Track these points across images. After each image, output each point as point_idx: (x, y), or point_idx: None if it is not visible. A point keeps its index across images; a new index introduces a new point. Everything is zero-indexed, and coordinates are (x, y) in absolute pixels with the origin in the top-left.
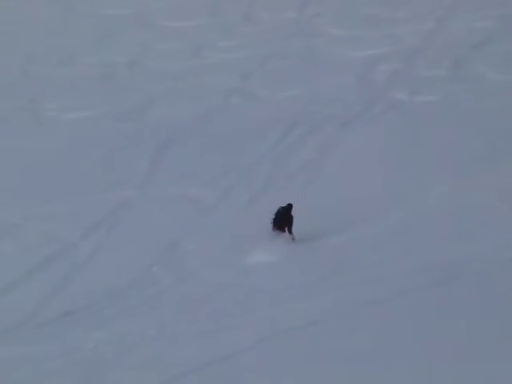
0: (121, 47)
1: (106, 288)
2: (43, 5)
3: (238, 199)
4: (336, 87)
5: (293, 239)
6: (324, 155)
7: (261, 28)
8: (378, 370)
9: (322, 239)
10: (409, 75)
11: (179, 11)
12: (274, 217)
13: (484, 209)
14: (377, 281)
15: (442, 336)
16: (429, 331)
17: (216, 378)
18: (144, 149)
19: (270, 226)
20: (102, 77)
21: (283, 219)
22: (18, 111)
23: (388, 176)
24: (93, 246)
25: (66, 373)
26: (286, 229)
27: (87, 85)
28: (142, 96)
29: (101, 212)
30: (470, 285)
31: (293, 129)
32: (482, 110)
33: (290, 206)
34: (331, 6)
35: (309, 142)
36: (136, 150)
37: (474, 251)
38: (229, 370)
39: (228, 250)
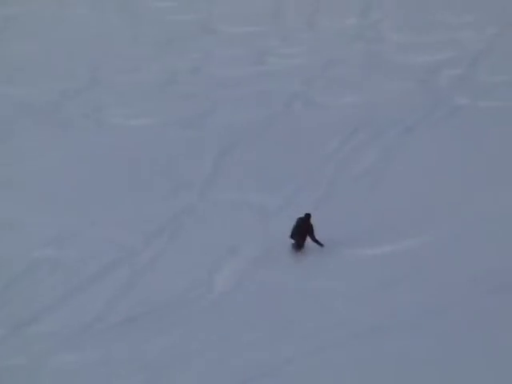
0: (184, 54)
1: (169, 294)
2: (110, 13)
3: (301, 205)
4: (398, 92)
5: (321, 245)
6: (387, 160)
7: (323, 34)
8: (439, 378)
9: (386, 245)
10: (472, 80)
11: (241, 17)
12: (293, 229)
13: None
14: (439, 288)
15: (508, 347)
16: (494, 341)
17: None
18: (206, 155)
19: (291, 245)
20: (166, 83)
21: (304, 229)
22: (84, 117)
23: (451, 181)
24: (155, 252)
25: (129, 378)
26: (308, 240)
27: (151, 91)
28: (205, 102)
29: (163, 218)
30: None
31: (356, 134)
32: None
33: (308, 216)
34: (393, 11)
35: (372, 147)
36: (199, 156)
37: None
38: (289, 377)
39: (289, 256)
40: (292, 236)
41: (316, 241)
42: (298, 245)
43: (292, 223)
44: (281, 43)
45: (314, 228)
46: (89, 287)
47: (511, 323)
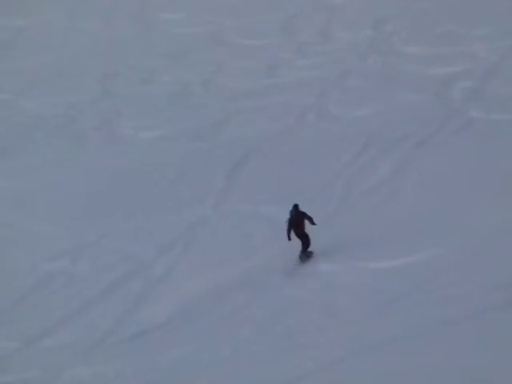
0: (195, 66)
1: (181, 306)
2: (122, 25)
3: (312, 217)
4: (412, 105)
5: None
6: (400, 173)
7: (336, 46)
8: None
9: (399, 258)
10: (485, 93)
11: (253, 30)
12: (289, 221)
13: None
14: (451, 300)
15: None
16: (505, 354)
17: None
18: (219, 167)
19: (298, 258)
20: (177, 95)
21: (299, 217)
22: (95, 130)
23: (464, 194)
24: (168, 264)
25: None
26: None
27: (163, 103)
28: (217, 114)
29: (176, 230)
30: None
31: (368, 147)
32: None
33: (296, 206)
34: (407, 23)
35: (385, 160)
36: (211, 168)
37: None
38: None
39: (303, 268)
40: (289, 231)
41: (314, 223)
42: (306, 254)
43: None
44: (293, 55)
45: (307, 213)
46: (102, 300)
47: None
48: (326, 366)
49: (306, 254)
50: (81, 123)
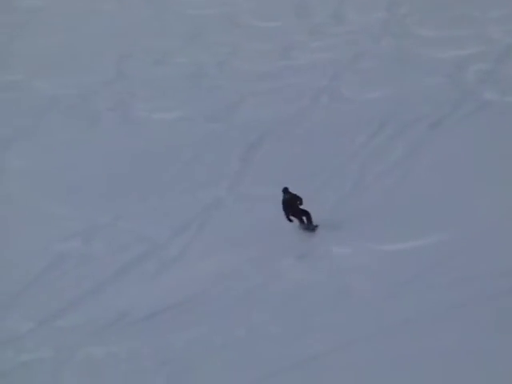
0: (210, 47)
1: (195, 287)
2: (137, 7)
3: (326, 199)
4: (426, 87)
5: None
6: (414, 155)
7: (350, 28)
8: (463, 371)
9: (412, 240)
10: (500, 75)
11: (268, 11)
12: (282, 202)
13: None
14: (463, 283)
15: None
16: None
17: (304, 379)
18: (233, 149)
19: (301, 229)
20: (192, 77)
21: (293, 201)
22: (110, 110)
23: (477, 177)
24: (182, 246)
25: (155, 371)
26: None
27: (177, 85)
28: (231, 96)
29: (191, 211)
30: None
31: (382, 129)
32: None
33: (286, 189)
34: (420, 5)
35: (398, 143)
36: (225, 150)
37: None
38: (317, 371)
39: (316, 250)
40: (287, 213)
41: (301, 203)
42: (305, 220)
43: (318, 218)
44: (307, 37)
45: (298, 196)
46: (115, 281)
47: None
48: (339, 347)
49: (311, 225)
50: (94, 104)
